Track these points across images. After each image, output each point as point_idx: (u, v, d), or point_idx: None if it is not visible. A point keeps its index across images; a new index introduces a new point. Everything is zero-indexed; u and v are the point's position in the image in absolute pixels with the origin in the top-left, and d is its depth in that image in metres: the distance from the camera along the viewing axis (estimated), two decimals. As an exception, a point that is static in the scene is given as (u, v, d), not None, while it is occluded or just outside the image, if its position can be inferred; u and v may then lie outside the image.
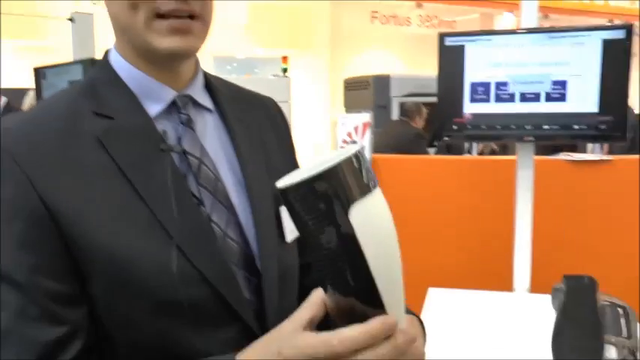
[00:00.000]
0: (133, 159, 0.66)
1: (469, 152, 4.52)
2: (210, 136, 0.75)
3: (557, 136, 1.77)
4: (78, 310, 0.64)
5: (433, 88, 1.93)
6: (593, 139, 1.83)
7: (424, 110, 4.36)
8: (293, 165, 0.87)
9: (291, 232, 0.83)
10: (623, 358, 1.07)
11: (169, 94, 0.72)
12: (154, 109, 0.71)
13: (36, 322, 0.61)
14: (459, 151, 4.38)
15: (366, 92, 5.27)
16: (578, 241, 2.33)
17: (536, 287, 1.76)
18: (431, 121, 4.32)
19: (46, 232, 0.62)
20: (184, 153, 0.70)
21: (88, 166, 0.64)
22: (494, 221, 2.33)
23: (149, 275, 0.64)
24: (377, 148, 3.28)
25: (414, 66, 8.95)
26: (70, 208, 0.62)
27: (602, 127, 1.69)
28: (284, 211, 0.82)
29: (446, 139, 1.87)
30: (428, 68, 4.59)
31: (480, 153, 4.56)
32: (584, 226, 2.36)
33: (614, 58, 1.66)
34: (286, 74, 5.58)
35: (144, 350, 0.68)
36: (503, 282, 1.77)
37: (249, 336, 0.73)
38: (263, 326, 0.74)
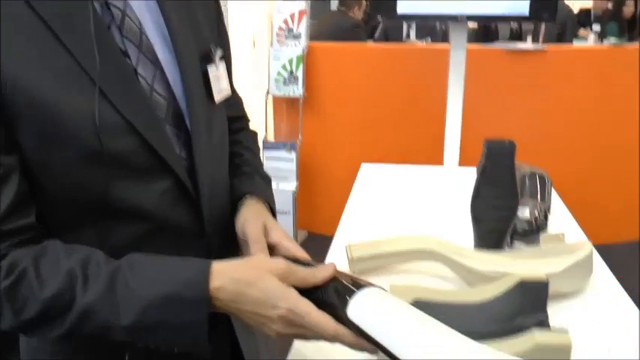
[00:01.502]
0: (55, 9, 0.64)
1: (408, 37, 4.49)
2: None
3: (489, 17, 1.78)
4: (9, 156, 0.64)
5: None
6: (524, 19, 1.86)
7: (363, 1, 4.26)
8: (215, 20, 0.87)
9: (219, 92, 0.84)
10: (536, 216, 1.16)
11: None
12: None
13: None
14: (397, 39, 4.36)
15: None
16: (507, 121, 2.42)
17: (464, 163, 1.85)
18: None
19: None
20: (106, 3, 0.69)
21: (10, 17, 0.63)
22: (429, 104, 2.38)
23: (75, 123, 0.65)
24: (314, 37, 3.22)
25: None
26: None
27: (533, 7, 1.72)
28: (212, 71, 0.82)
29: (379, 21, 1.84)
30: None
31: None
32: (514, 110, 2.45)
33: None
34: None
35: (78, 203, 0.69)
36: (434, 158, 1.85)
37: (182, 191, 0.75)
38: (194, 183, 0.76)
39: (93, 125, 0.65)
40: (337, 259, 1.07)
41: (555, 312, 0.91)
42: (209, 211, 0.79)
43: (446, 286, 0.99)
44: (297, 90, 2.82)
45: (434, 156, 1.89)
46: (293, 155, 2.84)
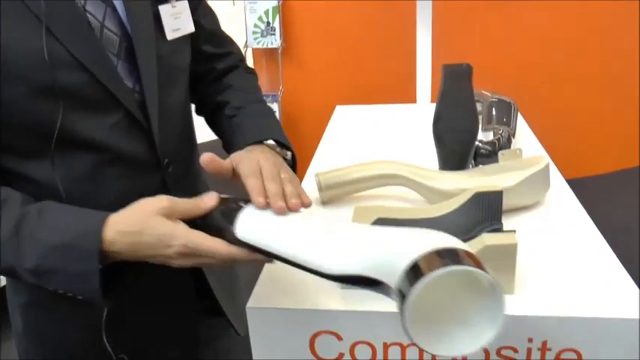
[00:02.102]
0: None
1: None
2: None
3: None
4: None
5: None
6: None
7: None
8: None
9: (174, 30, 0.86)
10: (498, 138, 1.19)
11: None
12: None
13: None
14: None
15: None
16: (479, 53, 2.43)
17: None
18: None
19: None
20: None
21: None
22: (398, 42, 2.39)
23: (23, 60, 0.68)
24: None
25: None
26: None
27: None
28: (163, 10, 0.85)
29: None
30: None
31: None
32: (486, 40, 2.45)
33: None
34: None
35: (31, 135, 0.73)
36: (407, 96, 1.87)
37: (133, 123, 0.79)
38: (146, 116, 0.80)
39: (43, 62, 0.68)
40: (309, 192, 1.11)
41: (511, 223, 0.95)
42: (161, 142, 0.82)
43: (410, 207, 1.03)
44: (275, 41, 2.81)
45: (408, 95, 1.91)
46: (276, 106, 2.86)
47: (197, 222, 0.70)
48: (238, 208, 0.70)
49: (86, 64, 0.72)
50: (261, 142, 0.87)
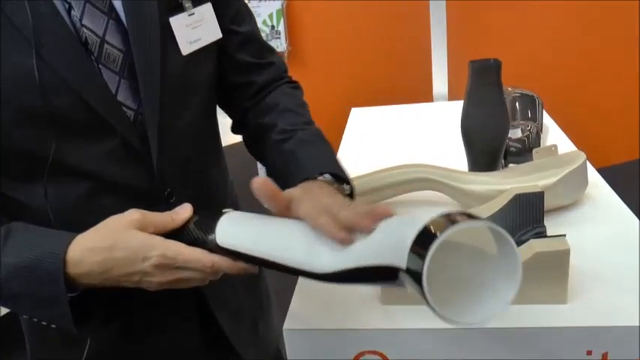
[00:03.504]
0: None
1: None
2: None
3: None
4: None
5: None
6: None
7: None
8: None
9: (189, 43, 0.79)
10: (528, 135, 1.14)
11: None
12: None
13: None
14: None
15: None
16: (493, 49, 2.38)
17: (453, 97, 1.83)
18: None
19: None
20: None
21: None
22: (411, 41, 2.34)
23: (13, 84, 0.63)
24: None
25: None
26: None
27: None
28: (175, 22, 0.78)
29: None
30: None
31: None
32: (500, 35, 2.41)
33: None
34: None
35: (22, 163, 0.68)
36: (423, 96, 1.82)
37: (131, 151, 0.72)
38: (144, 142, 0.73)
39: (33, 85, 0.63)
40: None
41: (554, 225, 0.90)
42: (161, 171, 0.75)
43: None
44: (280, 45, 2.77)
45: (424, 94, 1.87)
46: (284, 112, 2.83)
47: (171, 237, 0.65)
48: (217, 217, 0.66)
49: (75, 86, 0.66)
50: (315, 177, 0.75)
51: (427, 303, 0.48)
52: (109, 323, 0.77)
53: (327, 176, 0.75)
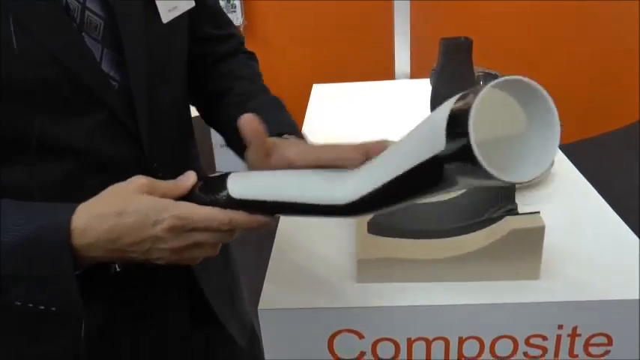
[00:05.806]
0: None
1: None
2: None
3: None
4: None
5: None
6: None
7: None
8: None
9: (168, 11, 0.75)
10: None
11: None
12: None
13: None
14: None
15: None
16: (457, 28, 2.39)
17: (415, 75, 1.83)
18: None
19: None
20: None
21: None
22: (372, 17, 2.33)
23: None
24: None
25: None
26: None
27: None
28: None
29: None
30: None
31: None
32: (465, 16, 2.42)
33: None
34: None
35: (3, 139, 0.62)
36: (384, 73, 1.81)
37: (116, 124, 0.68)
38: (133, 115, 0.69)
39: (8, 52, 0.58)
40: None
41: (523, 204, 0.92)
42: (151, 145, 0.71)
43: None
44: (237, 19, 2.70)
45: (385, 72, 1.86)
46: (240, 88, 2.77)
47: None
48: (223, 177, 0.63)
49: (59, 55, 0.61)
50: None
51: (481, 169, 0.43)
52: (103, 303, 0.73)
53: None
